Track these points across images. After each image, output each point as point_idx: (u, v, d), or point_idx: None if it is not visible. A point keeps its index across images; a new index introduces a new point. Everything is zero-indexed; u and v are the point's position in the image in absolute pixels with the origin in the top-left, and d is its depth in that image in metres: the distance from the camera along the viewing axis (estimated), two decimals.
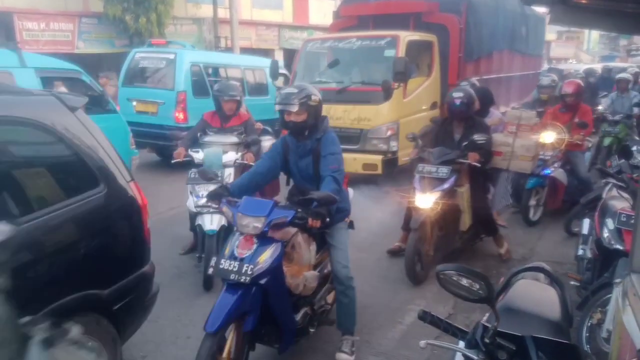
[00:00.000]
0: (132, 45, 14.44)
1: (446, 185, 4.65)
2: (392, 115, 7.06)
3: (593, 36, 46.69)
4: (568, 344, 1.83)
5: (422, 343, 1.82)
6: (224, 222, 4.45)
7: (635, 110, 8.79)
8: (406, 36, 7.24)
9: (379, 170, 7.07)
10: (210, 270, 2.89)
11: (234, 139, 4.98)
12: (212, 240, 4.50)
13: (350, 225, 3.70)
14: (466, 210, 4.91)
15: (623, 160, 4.52)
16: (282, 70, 8.95)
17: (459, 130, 4.97)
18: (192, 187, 4.69)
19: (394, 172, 7.26)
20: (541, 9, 11.89)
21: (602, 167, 4.79)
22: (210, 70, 9.98)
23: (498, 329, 1.70)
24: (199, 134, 5.04)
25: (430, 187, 4.65)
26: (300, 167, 3.41)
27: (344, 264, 3.38)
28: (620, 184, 3.79)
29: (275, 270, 2.84)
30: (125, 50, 14.18)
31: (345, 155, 6.97)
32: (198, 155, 4.82)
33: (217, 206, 3.12)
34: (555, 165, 6.17)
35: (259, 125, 5.76)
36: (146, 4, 13.83)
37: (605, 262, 3.56)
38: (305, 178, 3.42)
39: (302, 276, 3.12)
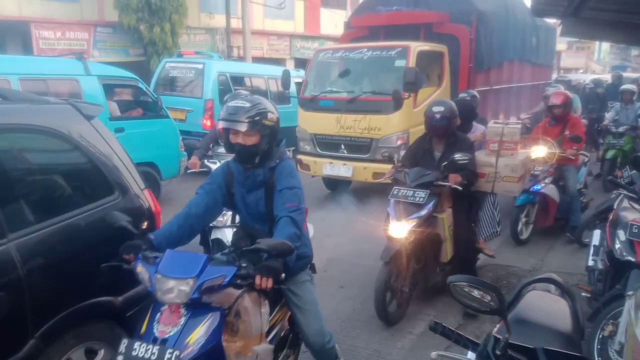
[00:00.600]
0: (146, 54, 14.66)
1: (423, 212, 4.04)
2: (403, 124, 7.08)
3: (604, 46, 46.40)
4: (579, 356, 1.83)
5: (434, 354, 1.80)
6: None
7: None
8: (417, 46, 7.27)
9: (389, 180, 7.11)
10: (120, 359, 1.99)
11: None
12: None
13: (312, 268, 2.96)
14: (448, 239, 4.30)
15: (634, 171, 4.49)
16: (298, 79, 9.03)
17: (439, 147, 4.45)
18: None
19: None
20: (552, 20, 11.91)
21: (612, 178, 4.71)
22: (236, 80, 10.28)
23: (509, 341, 1.70)
24: (211, 145, 4.90)
25: (405, 214, 4.03)
26: (249, 203, 2.67)
27: (316, 328, 2.68)
28: (631, 195, 3.77)
29: (212, 353, 2.09)
30: (139, 59, 14.40)
31: (355, 165, 7.13)
32: (216, 166, 4.42)
33: (128, 265, 2.32)
34: (547, 180, 5.92)
35: None
36: (160, 14, 13.98)
37: (617, 273, 3.54)
38: (255, 217, 2.70)
39: (250, 353, 2.30)
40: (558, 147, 5.76)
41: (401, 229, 3.95)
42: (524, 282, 2.61)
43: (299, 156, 7.98)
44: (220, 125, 2.52)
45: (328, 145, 7.56)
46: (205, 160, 4.73)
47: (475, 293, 1.63)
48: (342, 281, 4.96)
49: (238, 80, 10.36)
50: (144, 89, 7.58)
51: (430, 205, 4.08)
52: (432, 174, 4.19)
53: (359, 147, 7.20)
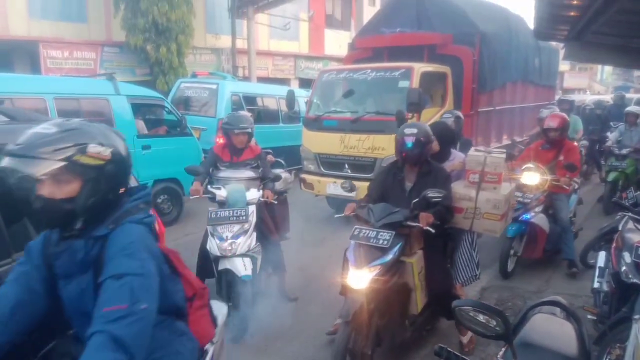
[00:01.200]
0: (152, 74, 14.81)
1: (388, 257, 3.38)
2: None
3: (606, 67, 46.58)
4: None
5: None
6: (259, 265, 4.31)
7: None
8: (420, 67, 7.33)
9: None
10: None
11: (250, 173, 4.68)
12: (247, 287, 4.15)
13: None
14: (418, 287, 3.60)
15: (639, 193, 4.47)
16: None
17: (411, 177, 3.85)
18: (212, 228, 4.26)
19: None
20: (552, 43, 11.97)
21: (617, 200, 4.68)
22: (248, 99, 10.67)
23: None
24: (211, 169, 4.74)
25: (367, 260, 3.37)
26: (68, 296, 1.67)
27: None
28: (636, 216, 3.75)
29: None
30: (145, 79, 14.54)
31: (359, 184, 7.05)
32: (221, 193, 4.42)
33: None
34: (537, 209, 5.50)
35: (270, 157, 5.46)
36: (167, 35, 14.16)
37: (623, 296, 3.51)
38: (82, 321, 1.60)
39: None
40: (550, 174, 5.42)
41: (362, 279, 3.31)
42: (530, 305, 2.58)
43: (303, 175, 7.99)
44: (3, 163, 1.52)
45: (332, 164, 7.58)
46: (209, 186, 4.55)
47: (481, 317, 1.62)
48: None
49: (250, 100, 10.74)
50: (170, 108, 7.98)
51: (397, 249, 3.42)
52: (400, 212, 3.54)
53: (363, 167, 7.22)
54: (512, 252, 5.54)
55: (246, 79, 16.28)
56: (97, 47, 14.78)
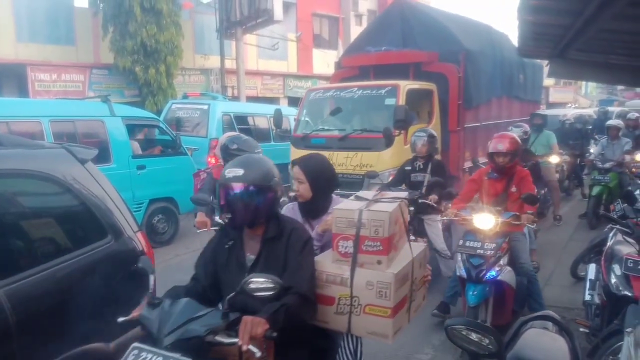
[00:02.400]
0: (141, 95, 14.83)
1: None
2: (394, 161, 7.03)
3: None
4: None
5: None
6: None
7: (627, 157, 8.40)
8: (406, 85, 7.35)
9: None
10: None
11: None
12: None
13: None
14: None
15: (626, 205, 4.51)
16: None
17: (251, 245, 2.41)
18: None
19: None
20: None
21: (605, 213, 4.72)
22: (239, 119, 10.76)
23: None
24: (211, 197, 4.22)
25: None
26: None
27: None
28: (625, 229, 3.79)
29: None
30: (134, 100, 14.55)
31: None
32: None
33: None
34: (502, 262, 4.09)
35: None
36: (155, 56, 14.22)
37: (614, 308, 3.52)
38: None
39: None
40: (501, 206, 4.38)
41: None
42: (522, 319, 2.59)
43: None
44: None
45: None
46: (216, 217, 3.89)
47: (473, 336, 1.62)
48: None
49: (242, 119, 10.83)
50: (164, 128, 8.11)
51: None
52: (208, 317, 1.99)
53: (351, 184, 7.05)
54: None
55: (235, 98, 16.33)
56: (85, 69, 14.79)
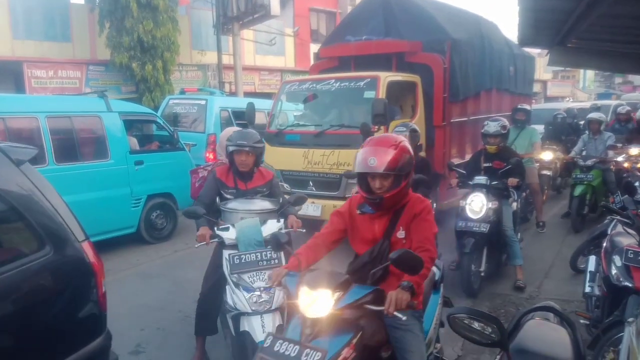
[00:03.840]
0: (138, 91, 14.77)
1: None
2: None
3: (588, 74, 47.40)
4: None
5: None
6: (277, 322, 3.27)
7: (610, 153, 7.85)
8: (387, 77, 6.81)
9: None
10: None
11: (266, 204, 3.81)
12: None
13: None
14: None
15: (626, 196, 4.50)
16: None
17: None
18: (237, 277, 3.37)
19: None
20: (535, 50, 11.72)
21: (605, 204, 4.71)
22: (237, 114, 10.46)
23: None
24: (217, 199, 3.87)
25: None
26: None
27: None
28: (625, 220, 3.78)
29: None
30: (131, 96, 14.50)
31: (324, 202, 6.59)
32: (229, 235, 3.53)
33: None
34: None
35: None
36: (152, 52, 14.16)
37: (615, 299, 3.51)
38: None
39: None
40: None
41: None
42: (523, 311, 2.58)
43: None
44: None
45: (295, 182, 6.83)
46: (216, 228, 3.60)
47: (476, 325, 1.61)
48: None
49: (239, 115, 10.60)
50: (162, 123, 8.02)
51: None
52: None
53: (328, 184, 6.66)
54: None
55: (233, 94, 16.29)
56: (82, 65, 14.74)
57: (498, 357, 2.21)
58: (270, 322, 3.24)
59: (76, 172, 6.37)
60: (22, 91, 13.40)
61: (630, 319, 2.75)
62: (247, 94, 17.04)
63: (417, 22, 7.82)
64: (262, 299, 3.27)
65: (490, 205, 5.21)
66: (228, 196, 3.83)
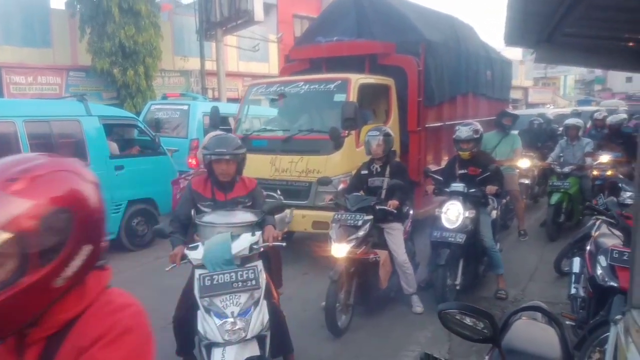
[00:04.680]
0: (120, 97, 14.60)
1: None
2: (345, 166, 6.15)
3: (568, 82, 48.33)
4: None
5: None
6: (267, 348, 3.17)
7: (588, 160, 7.64)
8: (358, 79, 6.53)
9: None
10: None
11: (248, 216, 3.38)
12: None
13: None
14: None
15: (610, 198, 4.53)
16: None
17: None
18: (208, 302, 2.99)
19: None
20: (517, 57, 11.80)
21: (590, 205, 4.74)
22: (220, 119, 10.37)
23: None
24: (192, 212, 3.45)
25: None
26: None
27: None
28: (610, 220, 3.80)
29: None
30: (112, 102, 14.32)
31: (293, 212, 5.99)
32: (196, 255, 3.14)
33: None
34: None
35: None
36: (134, 57, 14.02)
37: (600, 300, 3.53)
38: None
39: None
40: None
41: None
42: (511, 311, 2.57)
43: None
44: None
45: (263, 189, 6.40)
46: (185, 249, 3.24)
47: (468, 320, 1.58)
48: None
49: (223, 120, 10.52)
50: (143, 127, 7.91)
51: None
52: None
53: (297, 193, 6.26)
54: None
55: (216, 100, 16.20)
56: (62, 71, 14.54)
57: (487, 357, 2.19)
58: (246, 353, 2.95)
59: None
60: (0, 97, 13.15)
61: (618, 317, 2.74)
62: (230, 100, 16.97)
63: (391, 22, 7.58)
64: (237, 327, 2.91)
65: (467, 214, 4.98)
66: (205, 209, 3.46)
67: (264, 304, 3.12)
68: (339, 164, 6.19)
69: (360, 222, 4.47)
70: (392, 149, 5.23)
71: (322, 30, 8.02)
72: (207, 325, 2.97)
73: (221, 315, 2.94)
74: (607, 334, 3.12)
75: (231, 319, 2.92)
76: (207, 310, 2.98)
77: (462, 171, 5.32)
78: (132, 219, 7.29)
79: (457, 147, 5.34)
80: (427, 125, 7.31)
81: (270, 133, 6.96)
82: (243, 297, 2.99)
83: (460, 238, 4.83)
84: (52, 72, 14.36)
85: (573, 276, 4.34)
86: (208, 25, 15.78)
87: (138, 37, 13.76)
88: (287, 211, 4.77)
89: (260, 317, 3.05)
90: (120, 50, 13.71)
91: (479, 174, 5.20)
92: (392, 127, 6.80)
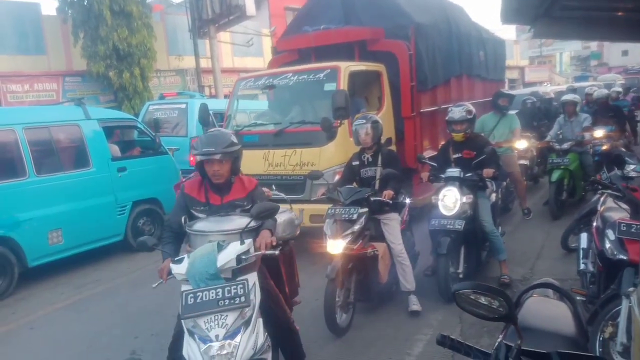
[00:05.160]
0: (117, 100, 14.59)
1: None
2: (339, 157, 5.88)
3: (564, 59, 48.12)
4: (596, 357, 1.77)
5: None
6: None
7: (587, 135, 7.54)
8: (348, 67, 6.34)
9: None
10: None
11: (246, 221, 2.92)
12: None
13: None
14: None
15: (614, 172, 4.51)
16: None
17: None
18: (192, 323, 2.67)
19: None
20: (511, 37, 11.69)
21: (595, 179, 4.71)
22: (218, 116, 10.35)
23: (522, 347, 1.63)
24: (182, 219, 3.06)
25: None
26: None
27: None
28: (616, 193, 3.79)
29: None
30: (110, 105, 14.32)
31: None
32: (179, 269, 2.79)
33: None
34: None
35: (267, 191, 3.85)
36: (129, 60, 14.01)
37: (610, 273, 3.52)
38: None
39: None
40: None
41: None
42: (522, 289, 2.57)
43: None
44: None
45: None
46: (171, 262, 2.89)
47: (482, 300, 1.57)
48: None
49: (221, 116, 10.51)
50: (143, 128, 7.94)
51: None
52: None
53: (292, 187, 5.98)
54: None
55: (213, 97, 16.17)
56: (58, 77, 14.53)
57: (501, 336, 2.19)
58: None
59: (58, 183, 6.26)
60: None
61: (631, 289, 2.75)
62: (228, 97, 16.95)
63: (378, 7, 7.39)
64: (224, 352, 2.57)
65: (464, 199, 4.79)
66: (199, 214, 3.11)
67: (258, 323, 2.78)
68: (333, 155, 6.01)
69: (355, 216, 4.22)
70: (388, 137, 5.10)
71: (308, 20, 7.88)
72: (190, 350, 2.66)
73: (205, 338, 2.62)
74: (619, 307, 3.14)
75: (218, 344, 2.58)
76: (191, 333, 2.67)
77: (457, 155, 5.13)
78: (138, 220, 7.31)
79: (450, 129, 5.15)
80: (421, 110, 7.17)
81: (262, 127, 6.78)
82: (231, 317, 2.63)
83: (459, 225, 4.66)
84: (48, 78, 14.36)
85: (581, 251, 4.33)
86: (200, 23, 15.70)
87: (131, 38, 13.75)
88: (292, 215, 3.95)
89: (252, 339, 2.69)
90: (114, 53, 13.70)
91: (474, 157, 4.99)
92: (385, 114, 6.69)
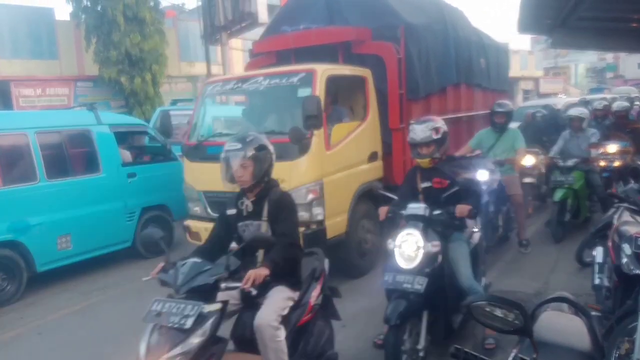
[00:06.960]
0: (128, 105, 14.69)
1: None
2: (313, 173, 5.27)
3: (579, 71, 47.87)
4: None
5: None
6: None
7: (593, 152, 7.03)
8: (325, 70, 5.58)
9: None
10: None
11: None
12: None
13: None
14: None
15: (631, 186, 4.41)
16: None
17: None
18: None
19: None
20: (525, 48, 11.48)
21: (611, 192, 4.61)
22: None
23: None
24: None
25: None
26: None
27: None
28: (633, 207, 3.71)
29: None
30: (121, 110, 14.42)
31: None
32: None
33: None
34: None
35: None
36: (141, 65, 14.12)
37: (626, 288, 3.45)
38: None
39: None
40: None
41: None
42: (537, 303, 2.52)
43: (187, 222, 6.09)
44: None
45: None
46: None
47: (498, 312, 1.53)
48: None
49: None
50: (153, 134, 7.95)
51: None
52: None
53: None
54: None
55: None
56: (69, 82, 14.69)
57: (516, 349, 2.13)
58: None
59: (68, 188, 6.27)
60: (10, 110, 13.29)
61: None
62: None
63: (366, 6, 6.71)
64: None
65: (430, 247, 3.54)
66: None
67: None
68: (306, 171, 5.26)
69: (190, 321, 2.47)
70: (373, 151, 4.27)
71: (288, 19, 7.12)
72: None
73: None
74: (635, 323, 3.06)
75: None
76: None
77: (426, 184, 4.00)
78: (147, 226, 7.29)
79: (414, 154, 4.03)
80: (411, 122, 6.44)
81: (227, 138, 5.84)
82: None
83: (420, 284, 3.40)
84: (60, 83, 14.51)
85: (596, 266, 4.23)
86: (213, 29, 15.79)
87: (144, 44, 13.87)
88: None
89: None
90: (126, 58, 13.82)
91: (446, 187, 3.90)
92: (370, 124, 6.11)
